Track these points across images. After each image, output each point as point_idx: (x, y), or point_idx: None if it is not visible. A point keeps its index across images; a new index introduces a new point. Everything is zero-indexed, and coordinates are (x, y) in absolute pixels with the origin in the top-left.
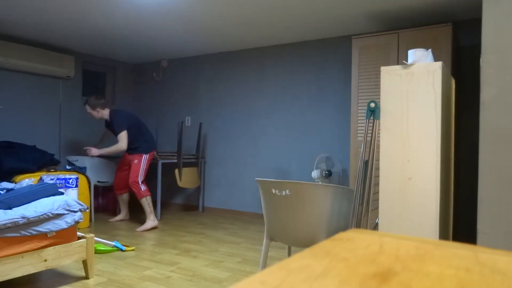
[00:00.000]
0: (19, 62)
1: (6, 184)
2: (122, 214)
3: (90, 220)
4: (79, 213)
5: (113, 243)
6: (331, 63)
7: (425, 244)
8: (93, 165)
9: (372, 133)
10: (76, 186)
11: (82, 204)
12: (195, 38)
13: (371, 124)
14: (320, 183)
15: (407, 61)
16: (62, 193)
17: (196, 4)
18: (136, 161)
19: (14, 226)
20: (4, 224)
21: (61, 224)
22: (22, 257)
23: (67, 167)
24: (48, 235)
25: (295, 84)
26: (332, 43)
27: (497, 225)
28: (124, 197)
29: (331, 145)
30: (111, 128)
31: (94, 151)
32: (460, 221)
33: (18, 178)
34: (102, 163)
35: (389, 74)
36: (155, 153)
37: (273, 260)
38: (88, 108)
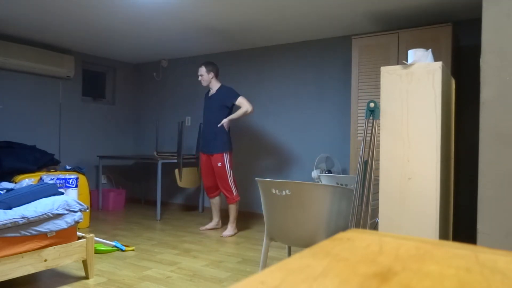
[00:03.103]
0: (19, 62)
1: (6, 184)
2: (214, 222)
3: None
4: (79, 213)
5: (113, 243)
6: (331, 63)
7: (425, 244)
8: None
9: (371, 133)
10: (76, 186)
11: (82, 204)
12: (195, 38)
13: (370, 124)
14: (320, 183)
15: (407, 61)
16: (62, 193)
17: (196, 4)
18: (219, 163)
19: (14, 226)
20: (4, 224)
21: (61, 224)
22: (22, 257)
23: (67, 167)
24: (48, 235)
25: (295, 84)
26: (332, 43)
27: (497, 225)
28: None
29: (331, 145)
30: (218, 98)
31: (225, 121)
32: (460, 221)
33: (18, 178)
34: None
35: (389, 74)
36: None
37: (273, 260)
38: (202, 70)
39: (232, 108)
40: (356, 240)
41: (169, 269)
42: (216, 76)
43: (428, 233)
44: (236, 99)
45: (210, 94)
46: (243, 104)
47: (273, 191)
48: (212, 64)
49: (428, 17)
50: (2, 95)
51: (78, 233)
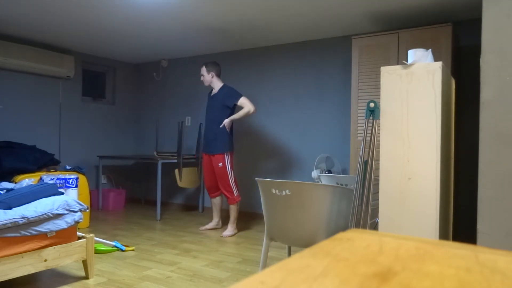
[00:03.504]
0: (19, 62)
1: (6, 184)
2: (214, 222)
3: None
4: (79, 213)
5: (113, 243)
6: (331, 63)
7: (425, 244)
8: None
9: (371, 133)
10: (76, 186)
11: (82, 204)
12: (195, 38)
13: (370, 124)
14: (320, 183)
15: (407, 61)
16: (62, 193)
17: (196, 4)
18: (220, 164)
19: (14, 226)
20: (4, 224)
21: (61, 224)
22: (22, 257)
23: (67, 167)
24: (48, 235)
25: (295, 84)
26: (332, 43)
27: (497, 225)
28: (216, 201)
29: (331, 145)
30: (220, 97)
31: (226, 121)
32: (460, 221)
33: (18, 178)
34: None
35: (389, 74)
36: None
37: (273, 260)
38: (203, 70)
39: (234, 108)
40: (356, 240)
41: (169, 269)
42: (218, 76)
43: (428, 233)
44: (238, 99)
45: (212, 94)
46: (245, 105)
47: (273, 191)
48: (213, 64)
49: (428, 17)
50: (2, 95)
51: (78, 233)
